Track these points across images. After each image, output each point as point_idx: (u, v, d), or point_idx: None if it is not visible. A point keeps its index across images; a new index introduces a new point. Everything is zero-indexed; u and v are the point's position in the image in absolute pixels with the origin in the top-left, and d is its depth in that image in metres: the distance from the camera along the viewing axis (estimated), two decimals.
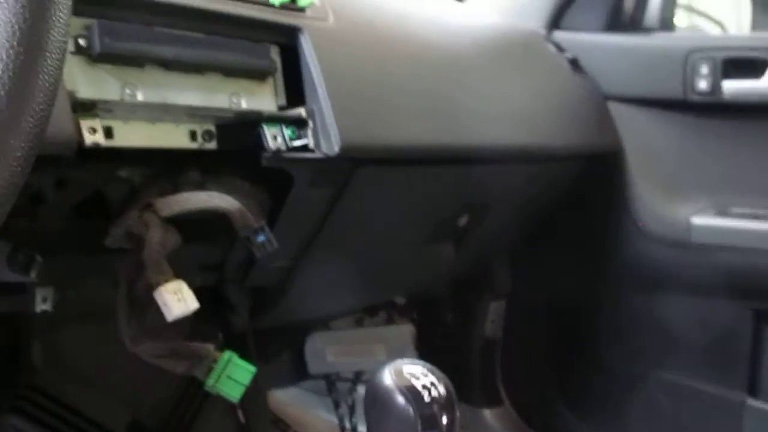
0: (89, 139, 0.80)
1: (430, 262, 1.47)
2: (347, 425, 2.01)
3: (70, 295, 0.97)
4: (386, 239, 1.29)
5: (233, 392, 0.89)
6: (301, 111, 0.98)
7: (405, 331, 1.99)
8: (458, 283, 1.94)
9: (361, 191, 1.13)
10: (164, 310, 0.84)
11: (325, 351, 1.97)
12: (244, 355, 1.03)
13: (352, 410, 2.00)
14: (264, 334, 1.80)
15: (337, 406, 2.02)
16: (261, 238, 0.95)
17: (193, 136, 0.95)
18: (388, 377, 0.69)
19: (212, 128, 0.96)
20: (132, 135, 0.89)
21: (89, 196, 0.94)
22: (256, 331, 1.67)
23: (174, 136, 0.93)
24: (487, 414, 1.97)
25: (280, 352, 1.95)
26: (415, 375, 0.69)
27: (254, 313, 1.27)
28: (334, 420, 2.02)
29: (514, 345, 1.95)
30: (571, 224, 1.75)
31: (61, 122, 0.73)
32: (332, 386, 2.04)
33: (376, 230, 1.24)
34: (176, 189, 0.95)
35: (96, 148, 0.81)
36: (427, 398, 0.67)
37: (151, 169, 0.96)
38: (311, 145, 0.98)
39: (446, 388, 0.70)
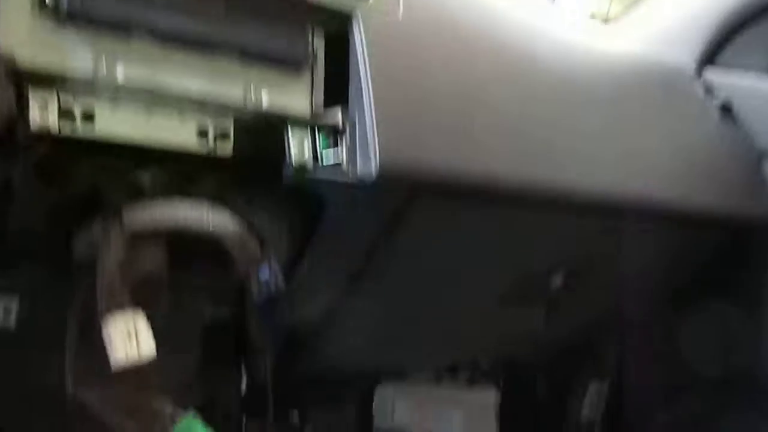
0: (41, 119, 0.62)
1: (513, 325, 1.22)
2: None
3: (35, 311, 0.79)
4: (453, 289, 1.04)
5: None
6: (338, 115, 0.76)
7: (487, 397, 1.72)
8: (556, 352, 1.65)
9: (421, 227, 0.90)
10: (108, 350, 0.64)
11: (395, 406, 1.74)
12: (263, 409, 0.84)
13: None
14: (325, 378, 1.60)
15: None
16: (264, 274, 0.74)
17: (202, 134, 0.75)
18: None
19: (229, 127, 0.76)
20: (120, 124, 0.70)
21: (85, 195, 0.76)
22: (311, 374, 1.47)
23: (177, 132, 0.74)
24: None
25: (343, 400, 1.74)
26: None
27: (285, 358, 1.05)
28: None
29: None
30: (702, 308, 1.42)
31: None
32: None
33: (439, 276, 1.00)
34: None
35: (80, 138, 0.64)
36: None
37: (149, 171, 0.77)
38: (344, 163, 0.76)
39: None
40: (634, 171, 1.07)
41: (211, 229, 0.70)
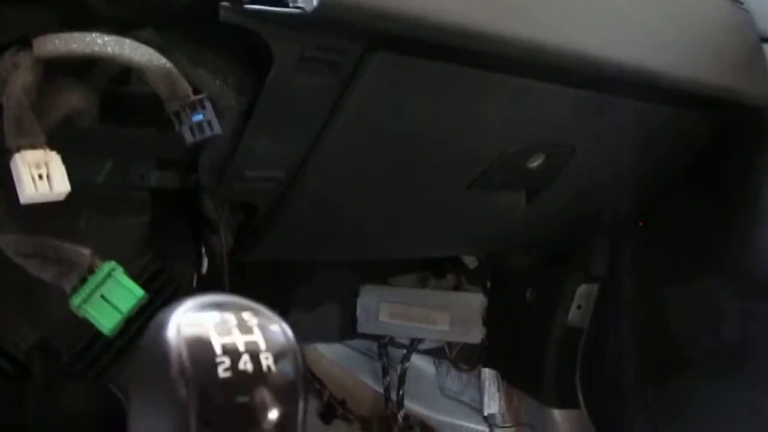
0: None
1: (489, 212, 1.15)
2: (393, 397, 1.74)
3: None
4: (419, 167, 0.98)
5: (105, 320, 0.63)
6: None
7: (473, 300, 1.67)
8: (543, 254, 1.59)
9: (379, 91, 0.83)
10: (17, 187, 0.59)
11: (379, 308, 1.70)
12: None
13: (401, 381, 1.73)
14: (305, 269, 1.55)
15: (385, 373, 1.75)
16: (198, 116, 0.68)
17: None
18: (172, 323, 0.39)
19: None
20: None
21: None
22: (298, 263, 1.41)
23: None
24: (558, 416, 1.63)
25: (325, 299, 1.71)
26: (224, 323, 0.39)
27: (242, 239, 1.00)
28: (379, 389, 1.76)
29: (602, 340, 1.58)
30: (695, 199, 1.35)
31: None
32: (383, 350, 1.77)
33: (403, 151, 0.94)
34: None
35: None
36: (223, 373, 0.36)
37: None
38: None
39: (279, 358, 0.38)
40: (626, 35, 0.96)
41: (131, 60, 0.64)
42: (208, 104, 0.68)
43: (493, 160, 1.01)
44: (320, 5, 0.66)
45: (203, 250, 1.01)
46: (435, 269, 1.70)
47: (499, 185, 1.09)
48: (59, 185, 0.60)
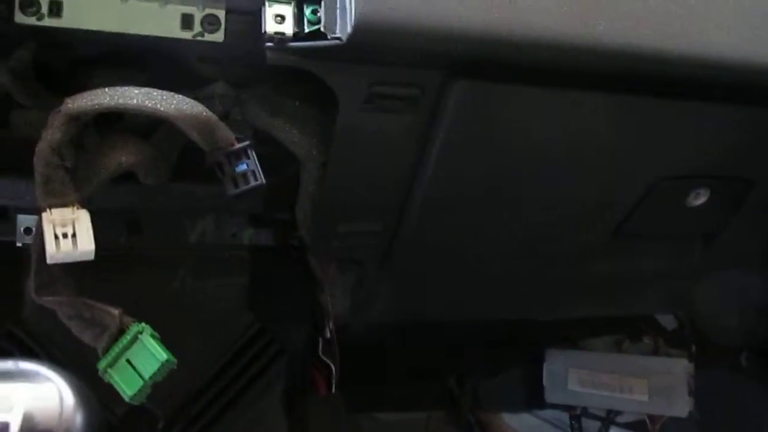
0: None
1: (651, 263, 0.97)
2: None
3: None
4: (546, 209, 0.85)
5: (127, 386, 0.58)
6: None
7: (676, 366, 1.45)
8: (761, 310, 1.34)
9: (470, 121, 0.73)
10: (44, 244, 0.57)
11: (568, 375, 1.53)
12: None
13: None
14: (489, 334, 1.43)
15: None
16: (242, 166, 0.63)
17: (187, 22, 0.66)
18: None
19: (218, 12, 0.67)
20: (92, 15, 0.64)
21: None
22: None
23: (157, 21, 0.66)
24: None
25: (512, 367, 1.57)
26: None
27: (359, 299, 0.93)
28: None
29: None
30: None
31: None
32: (575, 422, 1.59)
33: (520, 188, 0.82)
34: None
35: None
36: None
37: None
38: (323, 27, 0.62)
39: None
40: None
41: (157, 111, 0.61)
42: (252, 153, 0.63)
43: (639, 198, 0.85)
44: (355, 33, 0.59)
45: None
46: (629, 330, 1.50)
47: (655, 230, 0.92)
48: (85, 244, 0.58)
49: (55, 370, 0.38)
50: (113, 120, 0.68)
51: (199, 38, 0.67)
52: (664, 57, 0.68)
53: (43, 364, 0.37)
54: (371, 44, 0.61)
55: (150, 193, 0.74)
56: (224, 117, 0.72)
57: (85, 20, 0.65)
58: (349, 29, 0.59)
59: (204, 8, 0.67)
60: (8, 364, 0.37)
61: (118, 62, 0.69)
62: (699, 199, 0.88)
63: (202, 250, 0.82)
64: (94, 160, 0.64)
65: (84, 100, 0.60)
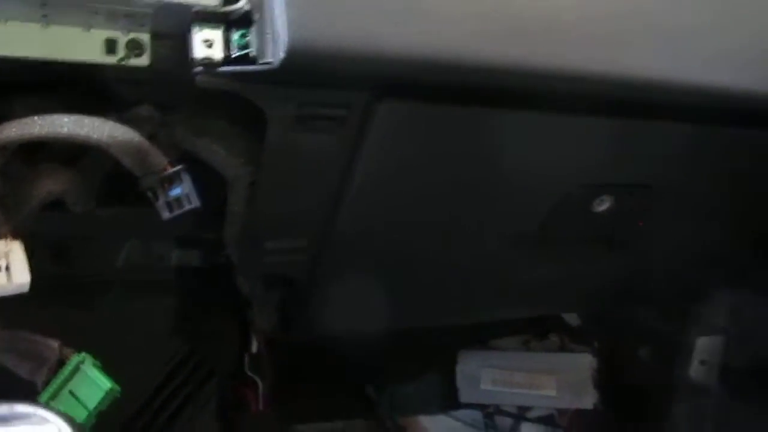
0: None
1: (565, 266, 1.03)
2: None
3: None
4: (465, 219, 0.89)
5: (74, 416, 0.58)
6: (244, 1, 0.64)
7: (581, 362, 1.53)
8: (657, 307, 1.43)
9: (395, 140, 0.76)
10: None
11: (480, 375, 1.59)
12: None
13: None
14: (399, 336, 1.47)
15: None
16: (176, 191, 0.64)
17: (111, 47, 0.66)
18: None
19: (143, 37, 0.67)
20: (13, 41, 0.63)
21: None
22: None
23: (81, 45, 0.65)
24: None
25: (426, 371, 1.61)
26: None
27: (288, 315, 0.94)
28: None
29: (736, 399, 1.39)
30: None
31: None
32: (490, 420, 1.65)
33: (440, 202, 0.85)
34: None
35: None
36: None
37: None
38: (254, 52, 0.64)
39: None
40: (706, 53, 0.82)
41: (89, 138, 0.61)
42: (185, 176, 0.64)
43: (551, 207, 0.90)
44: (287, 58, 0.61)
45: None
46: (536, 329, 1.58)
47: (569, 236, 0.98)
48: (20, 277, 0.57)
49: (50, 410, 0.37)
50: (36, 147, 0.67)
51: (124, 63, 0.67)
52: (573, 76, 0.73)
53: (38, 406, 0.37)
54: (302, 69, 0.63)
55: (77, 220, 0.73)
56: (151, 139, 0.72)
57: (7, 46, 0.64)
58: (281, 55, 0.61)
59: (128, 33, 0.67)
60: (3, 408, 0.36)
61: (42, 88, 0.68)
62: (603, 205, 0.94)
63: (130, 273, 0.82)
64: (22, 189, 0.63)
65: (12, 130, 0.59)
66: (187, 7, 0.65)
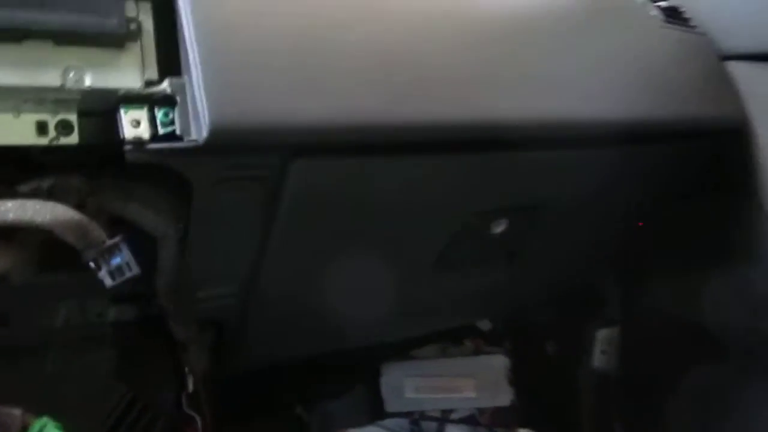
0: None
1: (473, 284, 1.14)
2: None
3: None
4: (378, 254, 0.98)
5: None
6: (166, 85, 0.71)
7: (496, 362, 1.65)
8: (559, 306, 1.56)
9: (310, 192, 0.84)
10: None
11: (404, 384, 1.68)
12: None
13: None
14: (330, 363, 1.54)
15: None
16: (116, 260, 0.70)
17: (42, 129, 0.71)
18: None
19: (71, 118, 0.72)
20: None
21: None
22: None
23: (13, 130, 0.70)
24: None
25: (351, 386, 1.70)
26: None
27: (221, 355, 1.01)
28: None
29: (635, 380, 1.53)
30: (689, 228, 1.32)
31: None
32: (416, 427, 1.74)
33: (354, 243, 0.94)
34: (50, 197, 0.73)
35: None
36: None
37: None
38: (179, 130, 0.71)
39: None
40: (571, 89, 0.95)
41: (33, 221, 0.66)
42: (124, 247, 0.70)
43: (454, 233, 1.00)
44: (211, 136, 0.68)
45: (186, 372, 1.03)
46: (451, 336, 1.68)
47: (472, 257, 1.08)
48: None
49: None
50: None
51: (55, 143, 0.73)
52: (449, 125, 0.84)
53: None
54: (223, 143, 0.70)
55: (16, 290, 0.78)
56: (80, 207, 0.77)
57: None
58: (204, 133, 0.68)
59: (57, 114, 0.72)
60: None
61: None
62: (499, 227, 1.05)
63: (69, 332, 0.87)
64: None
65: None
66: (113, 92, 0.71)
